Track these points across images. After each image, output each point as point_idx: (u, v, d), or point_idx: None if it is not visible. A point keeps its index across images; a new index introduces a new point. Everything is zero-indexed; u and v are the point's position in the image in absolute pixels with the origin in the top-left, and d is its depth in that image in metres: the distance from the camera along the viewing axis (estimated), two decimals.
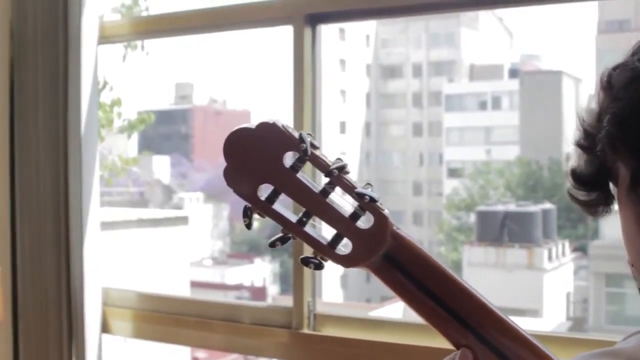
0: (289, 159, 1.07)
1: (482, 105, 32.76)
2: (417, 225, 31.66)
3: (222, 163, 1.09)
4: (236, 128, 1.07)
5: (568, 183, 1.08)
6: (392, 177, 34.02)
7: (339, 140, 31.83)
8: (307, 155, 1.05)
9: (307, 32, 2.70)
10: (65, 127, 2.98)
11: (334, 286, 28.32)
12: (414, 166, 34.14)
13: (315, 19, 2.74)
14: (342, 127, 33.02)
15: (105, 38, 3.17)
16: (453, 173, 32.43)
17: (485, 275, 21.66)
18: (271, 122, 1.06)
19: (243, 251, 30.76)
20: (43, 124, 3.02)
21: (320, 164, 1.06)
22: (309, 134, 1.06)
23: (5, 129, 3.15)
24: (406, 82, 35.18)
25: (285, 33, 2.86)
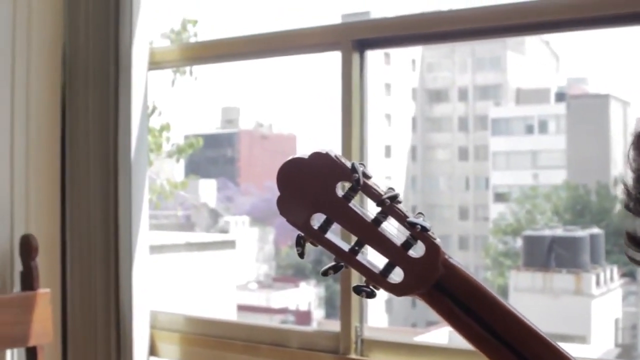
0: (341, 188, 1.08)
1: (529, 129, 32.57)
2: (463, 249, 31.47)
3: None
4: (289, 158, 1.09)
5: (625, 245, 1.08)
6: (438, 201, 33.89)
7: (384, 165, 31.79)
8: (360, 184, 1.06)
9: (355, 57, 2.72)
10: (115, 152, 3.02)
11: (378, 311, 28.22)
12: (460, 190, 34.00)
13: (363, 45, 2.75)
14: (388, 151, 32.99)
15: (155, 64, 3.21)
16: (499, 197, 32.23)
17: (532, 300, 21.49)
18: (324, 152, 1.08)
19: (288, 275, 30.78)
20: (94, 149, 3.06)
21: (373, 194, 1.07)
22: (361, 163, 1.07)
23: (57, 153, 3.20)
24: (452, 106, 35.12)
25: (331, 58, 2.88)
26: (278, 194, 1.09)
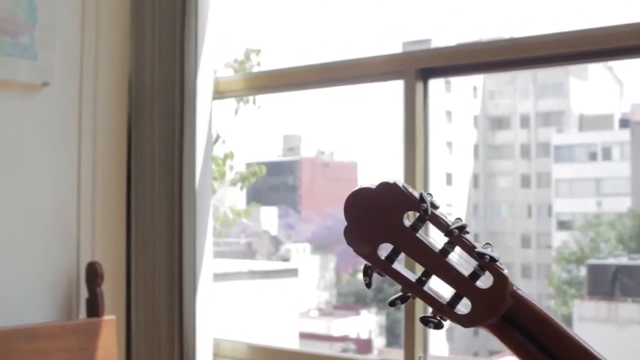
0: (408, 218, 1.08)
1: (592, 156, 32.15)
2: (526, 278, 31.09)
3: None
4: (356, 188, 1.09)
5: None
6: (500, 229, 33.55)
7: (445, 192, 31.60)
8: (428, 215, 1.06)
9: (419, 86, 2.72)
10: (180, 180, 3.05)
11: (439, 339, 27.98)
12: (522, 218, 33.61)
13: (426, 74, 2.75)
14: (449, 178, 32.79)
15: (219, 93, 3.25)
16: (563, 225, 31.80)
17: (597, 330, 21.14)
18: (392, 182, 1.08)
19: (349, 302, 30.65)
20: (159, 177, 3.10)
21: (440, 224, 1.07)
22: (428, 193, 1.07)
23: (123, 180, 3.24)
24: (514, 133, 34.80)
25: (392, 86, 2.89)
26: (339, 221, 1.10)
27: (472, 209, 34.07)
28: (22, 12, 2.93)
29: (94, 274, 3.00)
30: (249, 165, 5.51)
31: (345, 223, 1.09)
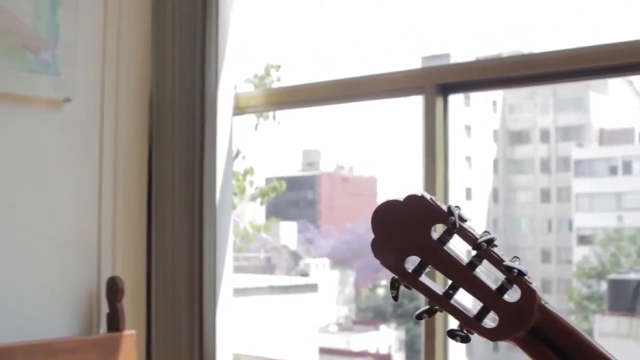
0: (436, 231, 1.08)
1: (613, 171, 31.98)
2: (546, 293, 30.91)
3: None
4: (384, 200, 1.09)
5: None
6: (520, 244, 33.38)
7: (465, 207, 31.43)
8: (456, 228, 1.06)
9: (439, 101, 2.72)
10: (200, 195, 3.06)
11: (459, 355, 27.86)
12: (542, 233, 33.45)
13: (446, 89, 2.76)
14: (468, 193, 32.69)
15: (239, 109, 3.26)
16: (583, 240, 31.62)
17: (618, 346, 20.99)
18: (419, 194, 1.08)
19: (368, 317, 30.57)
20: (179, 192, 3.11)
21: (468, 237, 1.07)
22: (457, 206, 1.07)
23: (143, 196, 3.25)
24: (534, 147, 34.68)
25: (411, 101, 2.89)
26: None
27: (491, 224, 33.93)
28: (45, 29, 2.95)
29: (114, 289, 3.01)
30: (268, 180, 5.53)
31: (370, 236, 1.09)
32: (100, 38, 3.19)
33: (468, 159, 33.21)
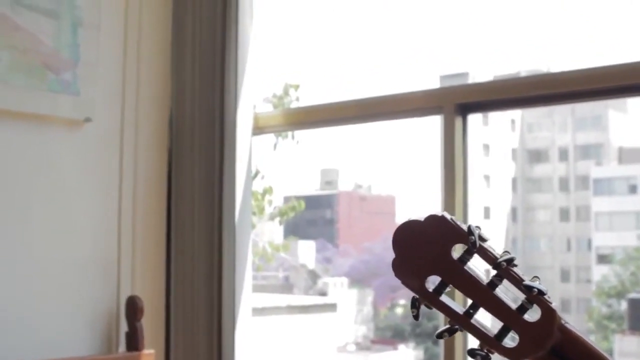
0: (456, 251, 1.08)
1: (632, 189, 31.83)
2: (566, 312, 30.74)
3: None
4: (405, 220, 1.09)
5: None
6: (539, 263, 33.23)
7: (484, 226, 31.29)
8: (476, 247, 1.07)
9: (458, 121, 2.73)
10: (220, 215, 3.06)
11: None
12: (561, 252, 33.30)
13: (465, 109, 2.76)
14: (487, 212, 32.59)
15: (258, 129, 3.27)
16: (602, 259, 31.45)
17: None
18: (439, 214, 1.08)
19: (387, 337, 30.45)
20: (199, 212, 3.11)
21: (488, 257, 1.07)
22: (477, 226, 1.07)
23: (163, 216, 3.26)
24: (553, 166, 34.57)
25: (429, 120, 2.90)
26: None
27: (510, 243, 33.80)
28: (66, 49, 2.97)
29: (133, 308, 3.02)
30: (287, 199, 5.53)
31: (389, 255, 1.09)
32: (121, 58, 3.21)
33: (486, 177, 33.12)
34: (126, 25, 3.23)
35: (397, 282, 1.11)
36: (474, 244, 1.07)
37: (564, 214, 33.84)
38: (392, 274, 1.11)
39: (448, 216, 1.09)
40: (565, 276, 33.00)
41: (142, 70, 3.26)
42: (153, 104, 3.30)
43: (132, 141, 3.21)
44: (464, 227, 1.08)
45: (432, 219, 1.09)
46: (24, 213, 2.94)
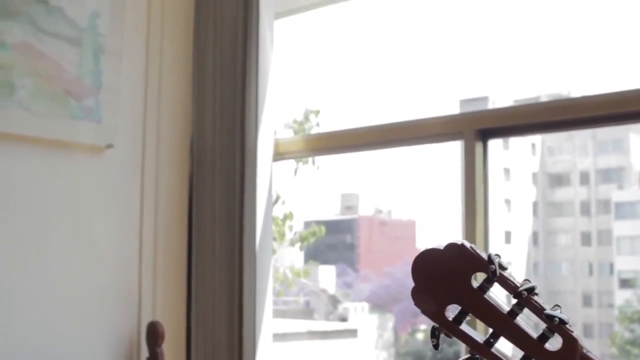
0: (476, 279, 1.08)
1: None
2: (588, 337, 30.46)
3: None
4: (424, 249, 1.10)
5: None
6: (560, 287, 32.99)
7: (505, 251, 31.21)
8: (496, 276, 1.07)
9: (478, 146, 2.73)
10: (240, 241, 3.07)
11: None
12: (583, 276, 33.04)
13: (486, 134, 2.76)
14: (508, 236, 32.43)
15: (279, 155, 3.28)
16: (625, 283, 31.18)
17: None
18: (459, 243, 1.08)
19: None
20: (220, 237, 3.12)
21: (509, 285, 1.07)
22: (496, 254, 1.07)
23: (184, 241, 3.27)
24: (574, 190, 34.41)
25: (450, 145, 2.90)
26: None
27: (532, 267, 33.59)
28: (88, 76, 3.00)
29: (154, 334, 3.02)
30: (307, 224, 5.53)
31: (409, 279, 1.09)
32: (142, 84, 3.23)
33: (507, 202, 32.96)
34: (148, 52, 3.26)
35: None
36: (494, 273, 1.07)
37: (586, 238, 33.60)
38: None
39: (468, 244, 1.09)
40: (587, 301, 32.74)
41: (163, 97, 3.28)
42: (174, 130, 3.31)
43: (154, 167, 3.23)
44: (484, 256, 1.08)
45: (452, 247, 1.09)
46: (46, 238, 2.96)
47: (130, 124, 3.17)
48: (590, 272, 33.62)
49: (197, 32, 3.30)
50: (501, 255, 1.09)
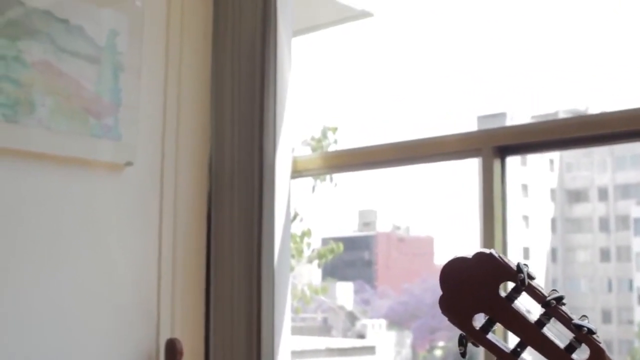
0: (504, 288, 1.07)
1: None
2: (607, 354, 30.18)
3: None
4: (452, 258, 1.09)
5: None
6: (579, 304, 32.79)
7: None
8: (524, 285, 1.06)
9: (496, 164, 2.72)
10: (259, 258, 3.07)
11: None
12: (602, 293, 32.81)
13: (504, 151, 2.75)
14: (526, 253, 32.30)
15: (297, 172, 3.28)
16: None
17: None
18: (487, 252, 1.08)
19: None
20: (238, 255, 3.12)
21: (537, 295, 1.06)
22: (525, 264, 1.07)
23: (202, 258, 3.28)
24: (592, 206, 34.24)
25: (468, 161, 2.89)
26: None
27: (550, 284, 33.36)
28: (108, 94, 3.01)
29: (173, 351, 3.03)
30: (325, 240, 5.51)
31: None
32: (161, 102, 3.25)
33: (525, 218, 32.77)
34: (166, 69, 3.27)
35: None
36: (523, 282, 1.06)
37: (605, 255, 33.36)
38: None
39: (496, 253, 1.08)
40: (606, 317, 32.52)
41: (182, 115, 3.29)
42: (193, 147, 3.32)
43: (172, 184, 3.24)
44: (513, 265, 1.07)
45: (480, 256, 1.08)
46: (65, 256, 2.97)
47: (149, 141, 3.18)
48: (610, 289, 33.37)
49: (215, 49, 3.32)
50: (529, 265, 1.08)
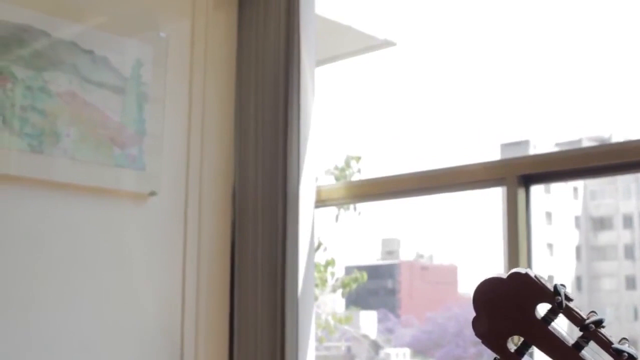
0: (541, 310, 1.04)
1: None
2: None
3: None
4: (487, 277, 1.06)
5: None
6: (605, 332, 32.53)
7: None
8: (562, 308, 1.03)
9: (521, 193, 2.71)
10: (282, 288, 3.06)
11: None
12: (628, 321, 32.62)
13: (528, 180, 2.74)
14: (550, 281, 32.06)
15: (321, 201, 3.28)
16: None
17: None
18: (523, 272, 1.05)
19: None
20: (262, 283, 3.12)
21: (575, 317, 1.03)
22: (562, 284, 1.04)
23: (226, 288, 3.27)
24: (617, 233, 34.04)
25: (492, 190, 2.88)
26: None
27: None
28: (132, 124, 3.03)
29: None
30: (348, 269, 5.51)
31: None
32: (185, 132, 3.26)
33: (550, 246, 32.60)
34: (190, 100, 3.28)
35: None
36: (560, 304, 1.03)
37: (630, 282, 33.12)
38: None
39: (532, 273, 1.05)
40: (633, 346, 32.21)
41: (206, 145, 3.30)
42: (217, 177, 3.33)
43: (196, 214, 3.24)
44: (550, 286, 1.04)
45: (516, 276, 1.05)
46: (89, 286, 2.98)
47: (173, 171, 3.19)
48: (636, 317, 33.14)
49: (239, 79, 3.33)
50: (566, 286, 1.05)
